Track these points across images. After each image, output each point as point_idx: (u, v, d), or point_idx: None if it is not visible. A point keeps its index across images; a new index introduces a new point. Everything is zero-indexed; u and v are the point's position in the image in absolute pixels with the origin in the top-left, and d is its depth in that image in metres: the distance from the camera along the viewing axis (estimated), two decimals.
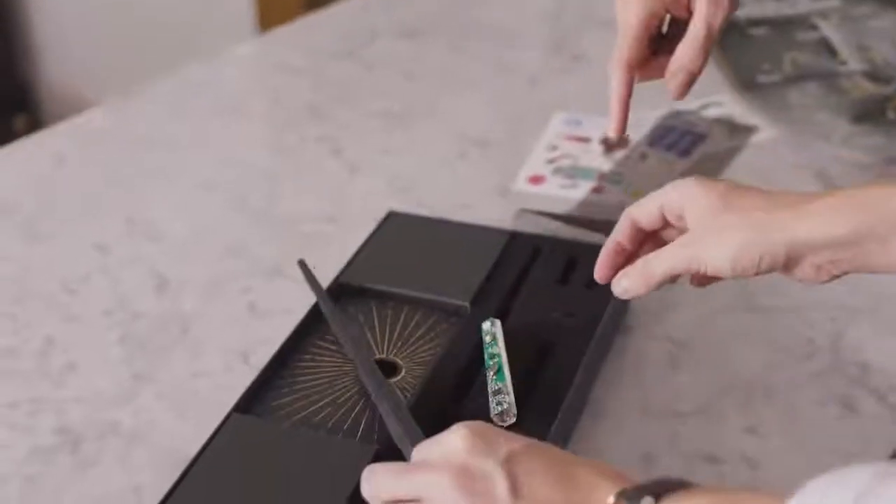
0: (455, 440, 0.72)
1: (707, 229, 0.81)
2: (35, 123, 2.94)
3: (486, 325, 0.96)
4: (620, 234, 0.86)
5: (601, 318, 0.99)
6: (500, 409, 0.88)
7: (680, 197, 0.83)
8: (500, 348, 0.94)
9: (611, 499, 0.67)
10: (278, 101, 1.58)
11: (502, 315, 0.98)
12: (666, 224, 0.85)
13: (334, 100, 1.52)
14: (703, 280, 0.85)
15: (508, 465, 0.70)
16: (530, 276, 1.04)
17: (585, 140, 1.35)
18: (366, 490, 0.75)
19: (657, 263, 0.82)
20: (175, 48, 2.52)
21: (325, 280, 1.03)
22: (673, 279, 0.83)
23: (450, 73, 1.58)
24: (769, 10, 1.66)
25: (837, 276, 0.80)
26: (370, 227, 1.11)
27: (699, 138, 1.36)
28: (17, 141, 1.46)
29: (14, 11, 3.09)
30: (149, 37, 2.82)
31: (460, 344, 0.96)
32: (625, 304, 1.06)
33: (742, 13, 1.65)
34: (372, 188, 1.32)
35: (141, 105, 1.54)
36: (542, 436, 0.87)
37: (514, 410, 0.88)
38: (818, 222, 0.77)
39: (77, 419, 0.99)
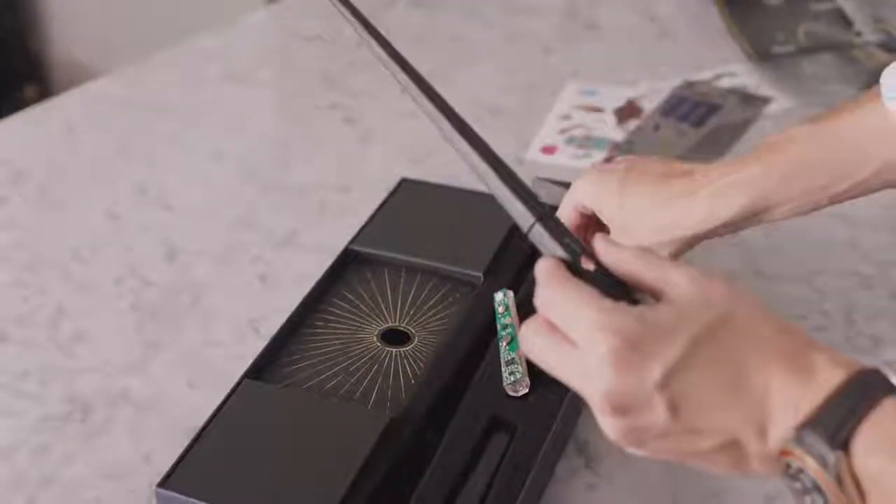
0: (600, 353, 0.60)
1: (620, 231, 0.86)
2: (45, 93, 2.92)
3: (498, 296, 0.96)
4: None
5: None
6: (512, 379, 0.88)
7: (585, 199, 0.89)
8: (513, 318, 0.93)
9: (789, 432, 0.58)
10: (291, 68, 1.57)
11: (515, 285, 0.98)
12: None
13: (347, 68, 1.51)
14: None
15: (666, 386, 0.59)
16: None
17: (598, 110, 1.34)
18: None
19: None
20: (186, 17, 2.50)
21: (337, 250, 1.03)
22: None
23: (463, 41, 1.57)
24: None
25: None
26: (383, 195, 1.11)
27: (713, 109, 1.35)
28: (28, 109, 1.45)
29: None
30: (159, 6, 2.80)
31: (473, 314, 0.95)
32: None
33: None
34: (385, 157, 1.31)
35: (152, 73, 1.53)
36: (555, 408, 0.87)
37: (527, 381, 0.88)
38: (706, 210, 0.84)
39: (87, 388, 0.99)
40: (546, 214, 0.69)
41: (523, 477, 0.82)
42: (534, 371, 0.89)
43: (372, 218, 1.06)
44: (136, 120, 1.42)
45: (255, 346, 0.94)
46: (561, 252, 0.67)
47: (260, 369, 0.90)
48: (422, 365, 0.91)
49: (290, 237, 1.17)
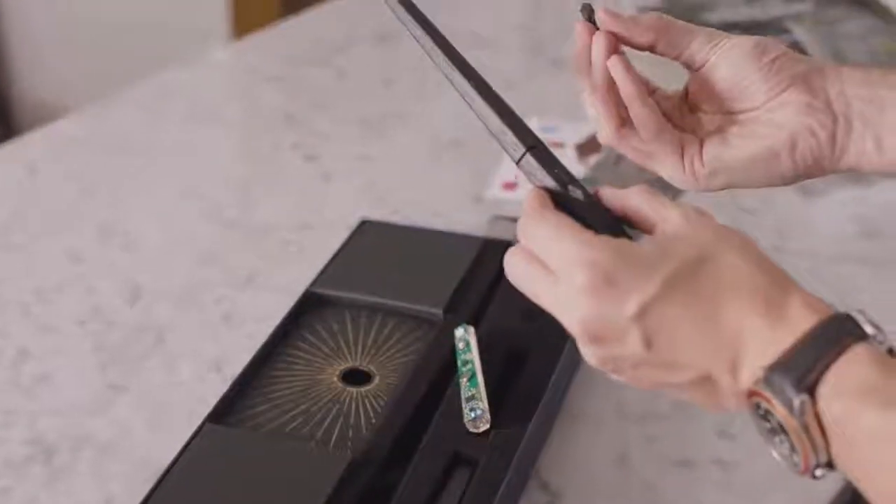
0: (575, 285, 0.62)
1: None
2: (9, 134, 2.92)
3: (459, 332, 0.96)
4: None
5: None
6: (473, 415, 0.89)
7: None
8: (474, 355, 0.94)
9: (759, 372, 0.59)
10: (253, 108, 1.58)
11: (476, 321, 0.99)
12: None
13: (309, 106, 1.52)
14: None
15: (640, 320, 0.61)
16: (503, 282, 1.04)
17: (559, 145, 1.35)
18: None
19: (682, 22, 0.79)
20: (149, 56, 2.50)
21: (300, 289, 1.04)
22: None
23: (425, 78, 1.58)
24: (742, 14, 1.66)
25: (834, 137, 0.75)
26: (345, 234, 1.11)
27: None
28: None
29: None
30: (122, 45, 2.80)
31: (434, 351, 0.96)
32: None
33: (714, 17, 1.66)
34: (346, 195, 1.31)
35: (115, 112, 1.54)
36: (516, 443, 0.87)
37: (488, 416, 0.89)
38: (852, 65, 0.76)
39: (50, 430, 0.99)
40: (537, 144, 0.71)
41: None
42: (496, 406, 0.90)
43: (332, 259, 1.07)
44: (99, 160, 1.42)
45: (218, 387, 0.95)
46: (550, 183, 0.69)
47: (222, 412, 0.90)
48: (383, 404, 0.91)
49: (253, 276, 1.17)
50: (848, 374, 0.58)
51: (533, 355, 0.96)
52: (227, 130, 1.51)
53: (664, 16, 0.79)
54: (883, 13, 1.64)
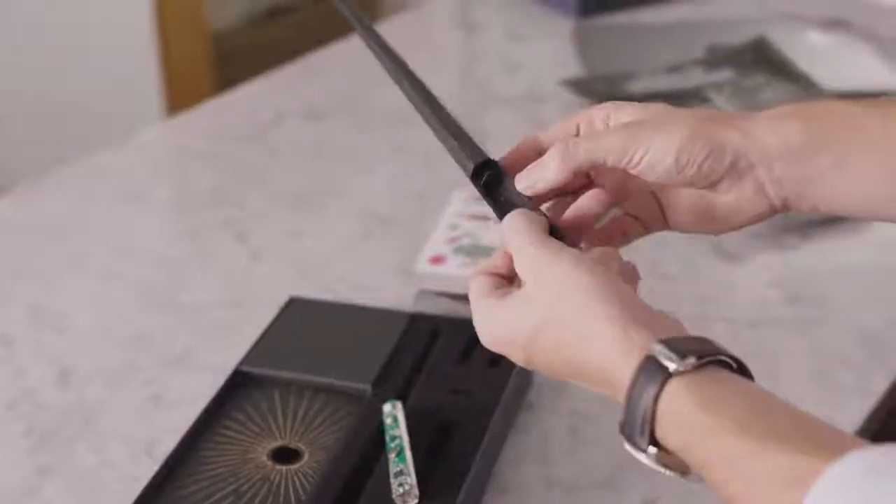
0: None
1: (653, 118, 0.76)
2: None
3: (387, 408, 0.97)
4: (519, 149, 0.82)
5: (502, 395, 1.01)
6: (401, 490, 0.90)
7: (616, 104, 0.78)
8: (402, 430, 0.95)
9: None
10: (184, 186, 1.59)
11: (404, 397, 1.00)
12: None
13: (240, 183, 1.53)
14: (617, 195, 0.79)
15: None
16: (430, 356, 1.06)
17: (485, 218, 1.36)
18: None
19: (585, 144, 0.75)
20: (83, 134, 2.51)
21: (231, 367, 1.04)
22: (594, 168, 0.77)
23: (353, 154, 1.60)
24: (662, 83, 1.70)
25: (775, 209, 0.76)
26: (275, 311, 1.12)
27: None
28: None
29: None
30: (56, 123, 2.81)
31: (362, 427, 0.97)
32: (527, 380, 1.08)
33: (636, 87, 1.69)
34: (276, 272, 1.32)
35: (47, 192, 1.54)
36: None
37: (416, 492, 0.90)
38: (773, 126, 0.74)
39: None
40: (478, 170, 0.80)
41: None
42: (425, 481, 0.91)
43: (260, 338, 1.08)
44: (31, 241, 1.42)
45: (148, 468, 0.95)
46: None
47: (151, 495, 0.91)
48: (312, 481, 0.92)
49: (183, 356, 1.18)
50: (668, 416, 0.64)
51: (460, 429, 0.97)
52: (157, 210, 1.52)
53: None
54: (803, 81, 1.69)
